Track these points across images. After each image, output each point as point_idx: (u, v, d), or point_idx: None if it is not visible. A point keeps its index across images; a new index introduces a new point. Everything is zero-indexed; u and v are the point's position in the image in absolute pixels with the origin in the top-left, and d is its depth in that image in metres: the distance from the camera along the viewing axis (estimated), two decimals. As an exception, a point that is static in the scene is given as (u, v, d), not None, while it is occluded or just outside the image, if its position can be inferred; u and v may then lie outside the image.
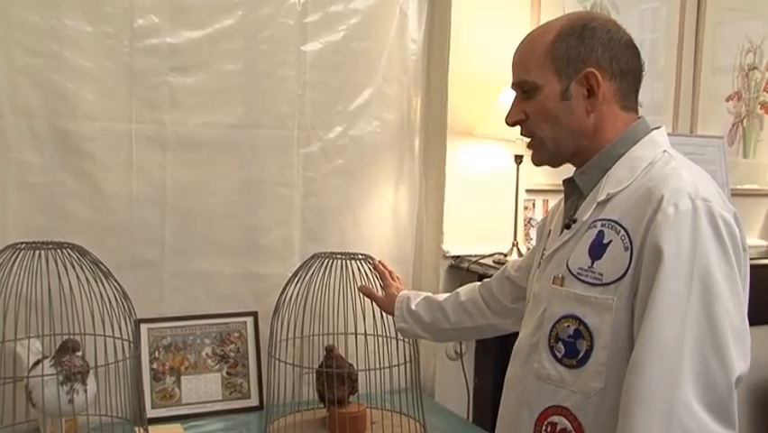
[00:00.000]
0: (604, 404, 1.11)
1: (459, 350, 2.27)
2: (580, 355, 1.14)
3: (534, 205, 2.35)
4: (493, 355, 2.23)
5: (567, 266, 1.19)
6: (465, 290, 1.67)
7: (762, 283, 1.64)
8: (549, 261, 1.25)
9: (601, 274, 1.13)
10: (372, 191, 2.23)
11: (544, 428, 1.19)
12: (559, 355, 1.17)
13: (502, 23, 2.24)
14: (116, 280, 1.69)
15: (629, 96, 1.22)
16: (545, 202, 2.37)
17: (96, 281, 1.67)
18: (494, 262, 2.17)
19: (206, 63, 1.99)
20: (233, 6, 2.00)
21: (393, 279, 1.82)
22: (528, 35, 1.27)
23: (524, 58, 1.23)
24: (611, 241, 1.13)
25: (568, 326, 1.16)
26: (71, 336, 1.64)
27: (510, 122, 1.26)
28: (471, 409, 2.27)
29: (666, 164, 1.15)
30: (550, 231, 1.35)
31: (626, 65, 1.20)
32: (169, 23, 1.94)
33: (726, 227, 1.06)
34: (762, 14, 2.77)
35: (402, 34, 2.22)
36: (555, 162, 1.27)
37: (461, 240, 2.24)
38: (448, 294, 1.70)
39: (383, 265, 1.86)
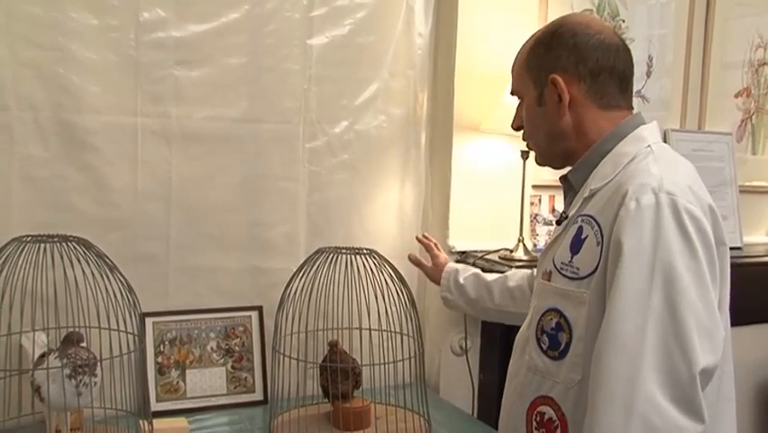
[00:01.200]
0: (582, 395, 1.13)
1: (463, 346, 2.26)
2: (561, 347, 1.18)
3: (540, 200, 2.34)
4: (498, 352, 2.22)
5: (553, 261, 1.23)
6: (516, 276, 1.75)
7: (768, 281, 1.63)
8: (543, 257, 1.30)
9: (578, 269, 1.16)
10: (378, 186, 2.22)
11: (534, 417, 1.23)
12: (544, 347, 1.22)
13: (509, 19, 2.23)
14: (121, 274, 1.69)
15: (610, 95, 1.24)
16: (552, 198, 2.36)
17: (102, 275, 1.67)
18: (500, 257, 2.16)
19: (212, 57, 1.98)
20: (238, 0, 1.99)
21: (439, 249, 1.95)
22: (521, 47, 1.36)
23: (514, 68, 1.35)
24: (587, 236, 1.16)
25: (551, 319, 1.20)
26: (75, 329, 1.64)
27: (514, 127, 1.37)
28: (476, 404, 2.27)
29: (644, 159, 1.17)
30: None
31: (595, 65, 1.22)
32: (174, 16, 1.93)
33: (691, 221, 1.06)
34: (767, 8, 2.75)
35: (408, 29, 2.21)
36: (550, 163, 1.34)
37: (466, 235, 2.23)
38: (498, 275, 1.80)
39: (427, 237, 2.00)
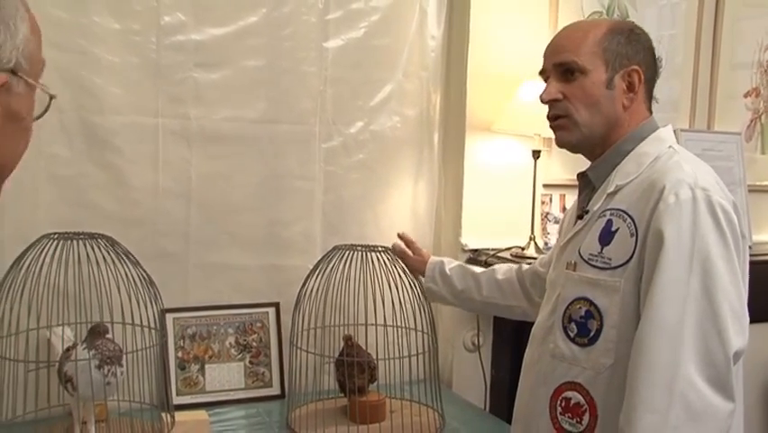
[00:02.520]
0: (614, 379, 1.20)
1: (476, 342, 2.30)
2: (591, 334, 1.24)
3: (551, 199, 2.38)
4: (510, 348, 2.26)
5: (579, 253, 1.28)
6: (502, 269, 1.78)
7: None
8: (564, 249, 1.35)
9: (610, 259, 1.23)
10: (392, 185, 2.27)
11: (558, 402, 1.28)
12: (572, 335, 1.27)
13: (520, 21, 2.28)
14: (144, 271, 1.75)
15: (650, 101, 1.34)
16: (562, 197, 2.39)
17: (125, 272, 1.72)
18: (511, 255, 2.20)
19: (230, 59, 2.03)
20: (256, 4, 2.04)
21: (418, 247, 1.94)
22: (573, 25, 1.37)
23: (574, 42, 1.30)
24: (618, 228, 1.22)
25: (580, 307, 1.26)
26: (98, 323, 1.69)
27: (547, 99, 1.33)
28: (488, 400, 2.31)
29: (670, 158, 1.25)
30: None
31: (654, 73, 1.33)
32: (194, 20, 1.98)
33: (723, 214, 1.15)
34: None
35: (422, 31, 2.25)
36: (581, 147, 1.35)
37: (478, 234, 2.27)
38: (483, 268, 1.81)
39: (404, 234, 1.99)
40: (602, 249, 1.24)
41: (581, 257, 1.28)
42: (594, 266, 1.25)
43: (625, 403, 1.15)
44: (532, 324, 2.08)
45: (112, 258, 1.71)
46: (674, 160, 1.24)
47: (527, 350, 1.42)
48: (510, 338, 2.24)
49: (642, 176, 1.25)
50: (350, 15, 2.16)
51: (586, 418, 1.24)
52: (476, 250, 2.26)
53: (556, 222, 2.36)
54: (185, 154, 2.01)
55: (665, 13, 2.60)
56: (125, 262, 1.72)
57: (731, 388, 1.12)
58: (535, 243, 2.22)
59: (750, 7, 2.71)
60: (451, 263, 1.86)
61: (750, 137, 2.77)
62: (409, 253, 1.92)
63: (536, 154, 2.19)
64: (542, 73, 1.38)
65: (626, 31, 1.31)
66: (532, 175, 2.21)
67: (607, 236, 1.24)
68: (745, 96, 2.75)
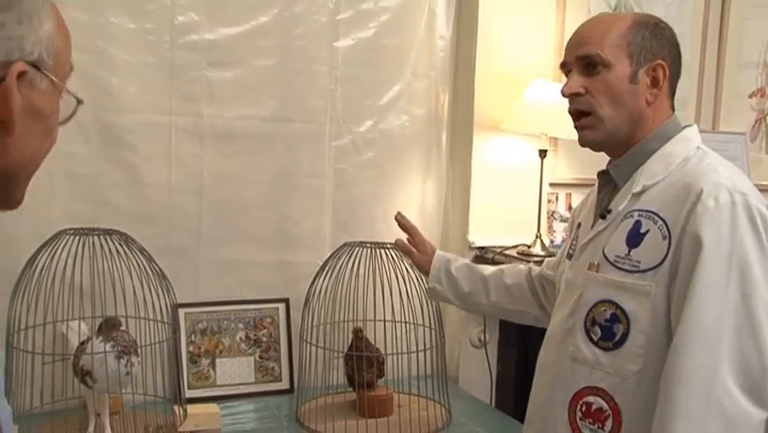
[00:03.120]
0: (642, 385, 1.17)
1: (483, 338, 2.33)
2: (617, 338, 1.20)
3: (557, 198, 2.41)
4: (516, 345, 2.29)
5: (603, 254, 1.25)
6: (511, 273, 1.68)
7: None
8: (584, 249, 1.31)
9: (639, 262, 1.19)
10: (401, 183, 2.30)
11: (579, 407, 1.25)
12: (595, 338, 1.23)
13: (528, 21, 2.31)
14: (158, 266, 1.78)
15: (672, 96, 1.30)
16: (568, 195, 2.43)
17: (140, 267, 1.76)
18: (518, 253, 2.23)
19: (243, 59, 2.06)
20: (268, 4, 2.07)
21: (422, 240, 1.77)
22: (597, 17, 1.33)
23: (598, 34, 1.26)
24: (648, 230, 1.19)
25: (605, 310, 1.22)
26: (111, 316, 1.73)
27: (568, 93, 1.28)
28: (494, 395, 2.34)
29: (701, 160, 1.21)
30: (579, 223, 1.41)
31: (678, 69, 1.29)
32: (207, 19, 2.01)
33: (762, 219, 1.13)
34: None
35: (430, 31, 2.28)
36: (605, 145, 1.30)
37: (486, 231, 2.30)
38: (491, 269, 1.71)
39: (403, 217, 1.77)
40: (630, 251, 1.21)
41: (606, 258, 1.24)
42: (621, 268, 1.21)
43: (659, 410, 1.12)
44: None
45: (126, 253, 1.75)
46: (707, 162, 1.21)
47: (542, 351, 1.38)
48: (516, 335, 2.28)
49: (672, 177, 1.21)
50: (360, 15, 2.19)
51: (609, 423, 1.21)
52: (483, 247, 2.29)
53: (563, 220, 2.39)
54: (197, 152, 2.05)
55: (671, 11, 2.60)
56: (139, 258, 1.75)
57: (765, 396, 1.10)
58: (542, 241, 2.24)
59: (756, 7, 2.73)
60: (456, 262, 1.73)
61: (755, 137, 2.80)
62: (413, 250, 1.76)
63: (543, 153, 2.22)
64: (563, 66, 1.32)
65: (652, 25, 1.27)
66: (538, 174, 2.23)
67: (635, 238, 1.21)
68: (750, 96, 2.77)
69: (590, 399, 1.24)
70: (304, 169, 2.17)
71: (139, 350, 1.66)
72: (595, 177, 2.15)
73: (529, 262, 2.08)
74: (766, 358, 1.10)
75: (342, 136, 2.21)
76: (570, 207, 2.42)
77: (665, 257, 1.16)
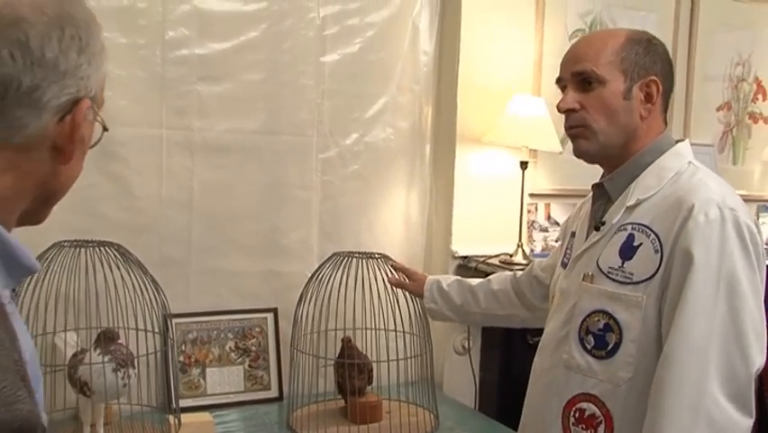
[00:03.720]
0: (633, 392, 1.22)
1: (466, 345, 2.39)
2: (609, 347, 1.25)
3: (536, 208, 2.48)
4: (498, 351, 2.36)
5: (597, 265, 1.29)
6: (497, 280, 1.76)
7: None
8: (578, 260, 1.35)
9: (632, 274, 1.23)
10: (386, 195, 2.36)
11: (572, 413, 1.29)
12: (588, 347, 1.28)
13: (508, 37, 2.39)
14: (152, 278, 1.81)
15: (665, 111, 1.34)
16: (547, 206, 2.50)
17: (135, 278, 1.78)
18: (500, 262, 2.29)
19: (232, 73, 2.11)
20: (257, 20, 2.12)
21: (413, 269, 1.93)
22: (592, 34, 1.39)
23: (593, 51, 1.29)
24: (641, 244, 1.23)
25: (598, 320, 1.26)
26: (108, 328, 1.75)
27: (564, 108, 1.31)
28: (478, 400, 2.40)
29: (693, 175, 1.25)
30: (574, 232, 1.45)
31: (671, 84, 1.32)
32: (197, 35, 2.05)
33: (750, 235, 1.18)
34: (748, 28, 2.91)
35: (414, 46, 2.35)
36: (598, 156, 1.33)
37: (468, 241, 2.36)
38: (479, 280, 1.79)
39: (397, 264, 1.98)
40: (623, 263, 1.24)
41: (600, 269, 1.27)
42: (614, 280, 1.25)
43: (648, 418, 1.17)
44: (519, 331, 2.18)
45: (118, 265, 1.77)
46: (698, 177, 1.24)
47: (537, 357, 1.42)
48: (498, 342, 2.34)
49: (664, 191, 1.24)
50: (346, 31, 2.24)
51: (601, 429, 1.25)
52: (466, 257, 2.35)
53: (542, 230, 2.47)
54: (188, 164, 2.08)
55: (643, 26, 2.69)
56: (135, 269, 1.78)
57: (751, 404, 1.14)
58: (523, 250, 2.31)
59: (722, 25, 2.85)
60: (447, 279, 1.82)
61: (722, 149, 2.91)
62: (406, 281, 1.90)
63: (524, 165, 2.29)
64: (558, 82, 1.35)
65: (645, 41, 1.30)
66: (520, 185, 2.30)
67: (628, 251, 1.24)
68: (718, 109, 2.89)
69: (583, 405, 1.28)
70: (292, 180, 2.21)
71: (138, 362, 1.69)
72: (574, 188, 2.24)
73: (512, 269, 2.15)
74: (751, 368, 1.14)
75: (328, 149, 2.26)
76: (549, 217, 2.50)
77: (657, 270, 1.20)
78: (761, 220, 2.91)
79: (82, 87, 0.74)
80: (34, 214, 0.80)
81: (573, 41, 2.43)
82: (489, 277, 1.80)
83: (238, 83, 2.12)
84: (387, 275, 1.97)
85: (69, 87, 0.72)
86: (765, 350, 1.18)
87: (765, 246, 1.72)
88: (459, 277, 1.86)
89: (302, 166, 2.22)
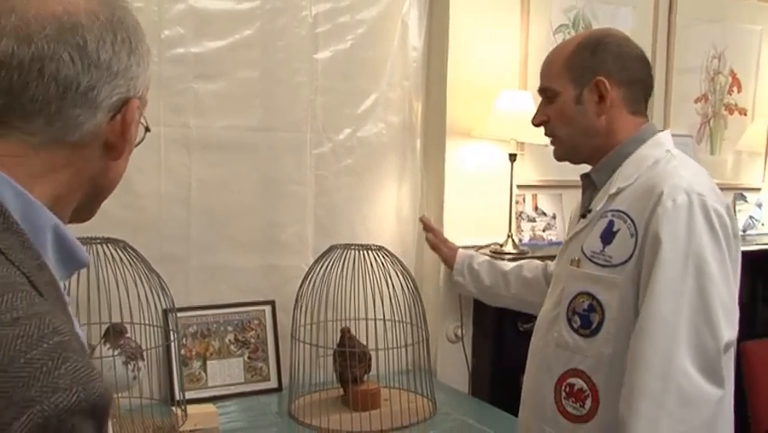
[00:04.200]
0: (614, 366, 1.32)
1: (458, 334, 2.46)
2: (593, 326, 1.35)
3: (524, 199, 2.56)
4: (490, 339, 2.43)
5: (582, 250, 1.39)
6: (529, 267, 1.87)
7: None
8: (567, 246, 1.46)
9: (611, 257, 1.33)
10: (378, 188, 2.41)
11: (563, 388, 1.39)
12: (575, 326, 1.38)
13: (495, 34, 2.45)
14: (157, 274, 1.85)
15: (638, 103, 1.42)
16: (534, 197, 2.58)
17: (139, 274, 1.82)
18: (490, 252, 2.36)
19: (228, 71, 2.14)
20: (251, 18, 2.16)
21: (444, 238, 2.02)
22: (553, 50, 1.49)
23: (547, 68, 1.43)
24: (619, 229, 1.33)
25: (583, 301, 1.37)
26: (117, 323, 1.79)
27: (535, 123, 1.46)
28: (471, 385, 2.47)
29: (668, 163, 1.35)
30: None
31: (634, 75, 1.40)
32: (193, 34, 2.09)
33: (717, 218, 1.27)
34: (722, 22, 3.00)
35: (404, 43, 2.40)
36: (573, 158, 1.47)
37: (459, 232, 2.41)
38: (511, 264, 1.90)
39: (427, 219, 2.09)
40: (604, 248, 1.34)
41: (584, 254, 1.38)
42: (596, 263, 1.35)
43: (624, 390, 1.26)
44: (509, 318, 2.27)
45: (125, 260, 1.81)
46: (672, 165, 1.33)
47: (533, 338, 1.52)
48: (490, 329, 2.41)
49: (641, 179, 1.34)
50: (337, 29, 2.29)
51: (588, 402, 1.35)
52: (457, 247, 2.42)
53: (530, 220, 2.55)
54: (185, 161, 2.12)
55: (624, 19, 2.76)
56: (140, 265, 1.82)
57: (721, 375, 1.23)
58: (513, 240, 2.38)
59: (699, 18, 2.94)
60: (479, 258, 1.95)
61: (700, 140, 3.01)
62: (440, 246, 2.02)
63: (512, 157, 2.36)
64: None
65: (592, 43, 1.40)
66: (509, 177, 2.37)
67: (608, 236, 1.34)
68: (696, 101, 2.98)
69: (573, 380, 1.38)
70: (287, 176, 2.26)
71: (147, 355, 1.73)
72: (560, 179, 2.35)
73: (503, 259, 2.23)
74: (720, 342, 1.23)
75: (322, 144, 2.31)
76: (536, 208, 2.57)
77: (632, 253, 1.30)
78: (738, 208, 3.02)
79: (131, 87, 0.79)
80: (84, 210, 0.84)
81: (558, 36, 2.54)
82: (520, 263, 1.90)
83: (233, 81, 2.15)
84: (384, 267, 2.02)
85: (120, 86, 0.77)
86: (736, 326, 1.28)
87: (741, 233, 1.82)
88: (490, 258, 1.96)
89: (297, 162, 2.27)
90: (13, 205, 0.71)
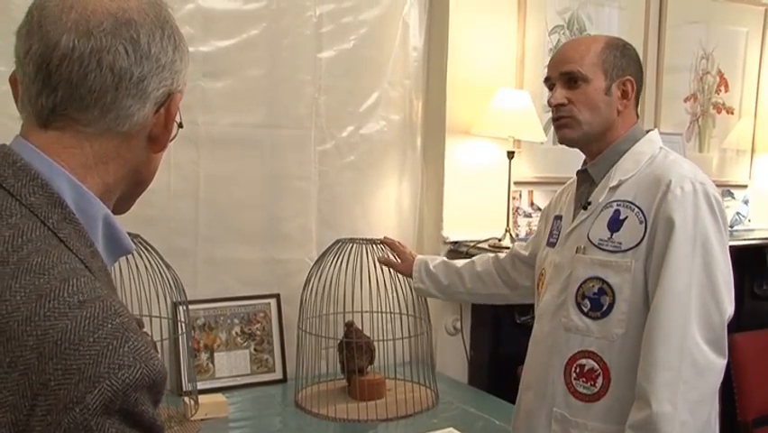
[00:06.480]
0: (625, 346, 1.41)
1: (457, 326, 2.53)
2: (604, 308, 1.44)
3: (520, 195, 2.63)
4: (488, 331, 2.50)
5: (588, 238, 1.48)
6: (480, 261, 1.94)
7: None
8: (569, 237, 1.53)
9: (620, 243, 1.43)
10: (379, 184, 2.48)
11: (573, 369, 1.47)
12: (585, 310, 1.46)
13: (493, 35, 2.51)
14: (170, 268, 1.90)
15: (637, 106, 1.55)
16: (530, 193, 2.65)
17: (149, 267, 1.87)
18: (489, 246, 2.43)
19: (234, 69, 2.20)
20: (257, 18, 2.21)
21: (403, 246, 2.06)
22: (576, 40, 1.60)
23: (578, 54, 1.49)
24: (627, 217, 1.43)
25: (593, 285, 1.46)
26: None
27: (555, 103, 1.51)
28: (469, 376, 2.54)
29: (666, 157, 1.47)
30: (559, 216, 1.63)
31: (641, 84, 1.54)
32: (201, 33, 2.14)
33: (717, 204, 1.40)
34: (711, 23, 3.09)
35: (405, 43, 2.47)
36: (580, 143, 1.53)
37: (458, 227, 2.49)
38: (464, 261, 1.96)
39: (388, 238, 2.09)
40: (612, 235, 1.44)
41: (591, 242, 1.47)
42: (605, 249, 1.44)
43: (642, 361, 1.36)
44: (507, 311, 2.34)
45: (140, 255, 1.86)
46: (671, 159, 1.46)
47: (536, 325, 1.59)
48: (488, 322, 2.49)
49: (642, 172, 1.45)
50: (341, 29, 2.35)
51: (600, 381, 1.43)
52: (456, 242, 2.49)
53: (526, 216, 2.62)
54: (193, 157, 2.17)
55: (617, 20, 2.84)
56: (153, 259, 1.87)
57: (724, 347, 1.35)
58: (511, 234, 2.45)
59: (689, 20, 3.02)
60: (434, 261, 1.98)
61: (689, 138, 3.10)
62: (394, 261, 2.04)
63: (510, 155, 2.43)
64: (546, 81, 1.55)
65: (620, 46, 1.51)
66: (507, 173, 2.44)
67: (616, 224, 1.44)
68: (685, 100, 3.07)
69: (583, 361, 1.46)
70: (291, 172, 2.32)
71: (162, 347, 1.78)
72: (555, 176, 2.42)
73: (499, 253, 2.29)
74: (724, 315, 1.36)
75: (325, 141, 2.37)
76: (532, 204, 2.64)
77: (643, 238, 1.40)
78: (725, 204, 3.11)
79: (175, 80, 0.83)
80: (125, 201, 0.88)
81: (553, 36, 2.61)
82: (473, 259, 1.97)
83: (240, 79, 2.21)
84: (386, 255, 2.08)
85: (166, 79, 0.81)
86: (733, 301, 1.39)
87: (729, 229, 1.92)
88: (445, 258, 2.03)
89: (301, 158, 2.33)
90: (68, 195, 0.77)
